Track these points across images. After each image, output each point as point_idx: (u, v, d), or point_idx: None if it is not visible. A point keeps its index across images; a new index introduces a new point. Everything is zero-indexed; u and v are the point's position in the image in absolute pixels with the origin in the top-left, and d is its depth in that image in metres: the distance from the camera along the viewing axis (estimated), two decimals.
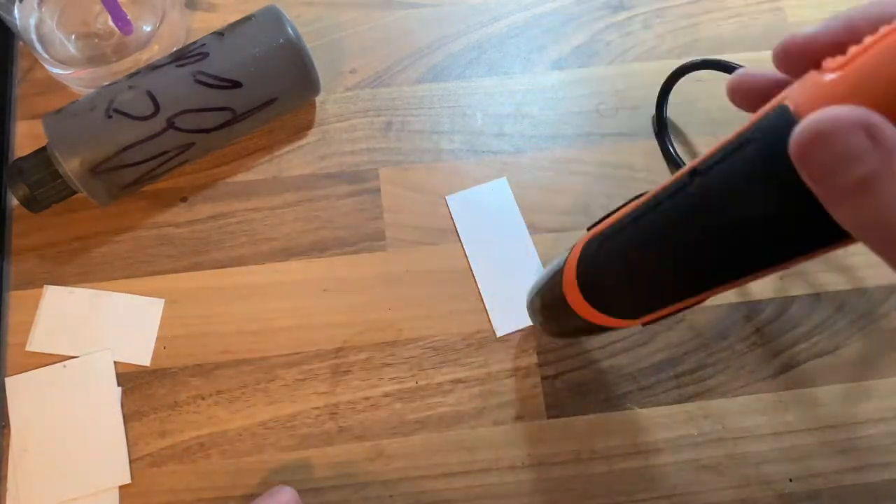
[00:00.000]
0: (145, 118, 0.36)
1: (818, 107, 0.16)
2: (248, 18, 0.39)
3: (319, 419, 0.37)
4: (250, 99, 0.38)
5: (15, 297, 0.38)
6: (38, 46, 0.41)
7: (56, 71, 0.42)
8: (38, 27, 0.42)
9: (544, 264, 0.40)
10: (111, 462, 0.35)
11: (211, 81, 0.37)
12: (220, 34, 0.39)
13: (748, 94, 0.21)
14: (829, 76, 0.16)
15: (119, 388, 0.37)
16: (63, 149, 0.36)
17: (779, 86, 0.19)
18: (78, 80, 0.42)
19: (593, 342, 0.38)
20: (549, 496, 0.36)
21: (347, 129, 0.43)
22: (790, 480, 0.36)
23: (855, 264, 0.40)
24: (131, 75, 0.38)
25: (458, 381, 0.38)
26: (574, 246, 0.28)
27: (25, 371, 0.37)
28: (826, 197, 0.16)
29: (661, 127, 0.43)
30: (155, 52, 0.42)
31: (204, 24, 0.45)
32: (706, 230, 0.21)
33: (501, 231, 0.41)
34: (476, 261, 0.40)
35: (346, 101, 0.43)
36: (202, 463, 0.36)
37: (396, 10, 0.46)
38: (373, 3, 0.46)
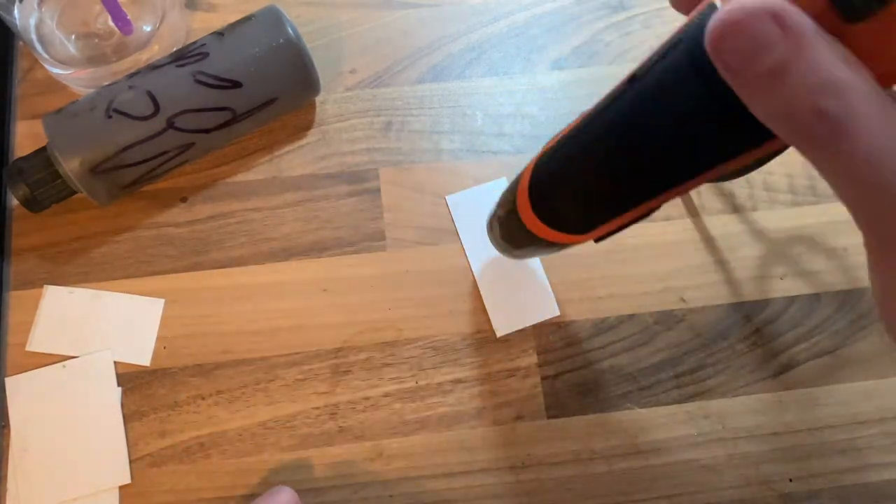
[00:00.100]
0: (145, 118, 0.36)
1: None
2: (248, 18, 0.39)
3: (319, 419, 0.37)
4: (250, 99, 0.38)
5: (15, 297, 0.38)
6: (38, 46, 0.41)
7: (56, 71, 0.42)
8: (38, 27, 0.42)
9: (544, 264, 0.40)
10: (111, 462, 0.35)
11: (211, 81, 0.37)
12: (220, 34, 0.39)
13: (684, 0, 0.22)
14: None
15: (119, 388, 0.37)
16: (63, 149, 0.36)
17: None
18: (78, 80, 0.42)
19: (593, 342, 0.38)
20: (549, 496, 0.36)
21: (347, 129, 0.43)
22: (790, 480, 0.36)
23: (855, 264, 0.40)
24: (131, 75, 0.38)
25: (458, 381, 0.38)
26: (528, 163, 0.28)
27: (25, 371, 0.37)
28: (741, 88, 0.16)
29: None
30: (155, 52, 0.42)
31: (204, 24, 0.45)
32: (643, 133, 0.21)
33: None
34: (476, 261, 0.40)
35: (346, 101, 0.43)
36: (202, 463, 0.36)
37: (396, 10, 0.46)
38: (373, 3, 0.46)
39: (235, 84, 0.38)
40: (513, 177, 0.42)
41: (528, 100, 0.44)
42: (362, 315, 0.39)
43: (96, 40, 0.42)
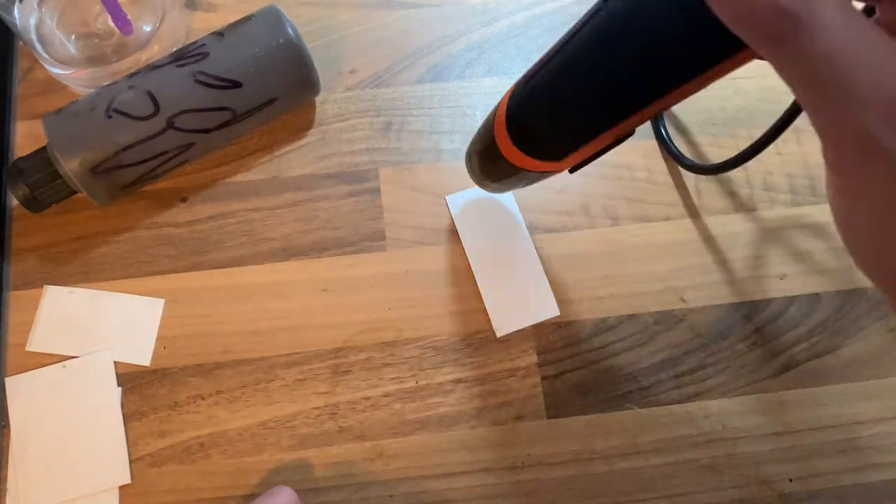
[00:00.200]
0: (145, 118, 0.36)
1: None
2: (248, 18, 0.39)
3: (319, 419, 0.37)
4: (250, 99, 0.38)
5: (15, 297, 0.38)
6: (38, 46, 0.41)
7: (56, 71, 0.42)
8: (38, 27, 0.42)
9: (544, 264, 0.40)
10: (111, 462, 0.35)
11: (211, 81, 0.37)
12: (220, 34, 0.39)
13: None
14: None
15: (119, 388, 0.37)
16: (63, 149, 0.36)
17: None
18: (78, 80, 0.42)
19: (593, 342, 0.38)
20: (549, 496, 0.36)
21: (347, 129, 0.43)
22: (790, 480, 0.36)
23: (855, 264, 0.40)
24: (131, 75, 0.38)
25: (458, 381, 0.38)
26: (505, 93, 0.29)
27: (25, 371, 0.37)
28: None
29: (661, 125, 0.43)
30: (155, 52, 0.42)
31: (204, 24, 0.45)
32: (615, 49, 0.22)
33: (501, 231, 0.41)
34: (476, 261, 0.40)
35: (346, 101, 0.43)
36: (202, 463, 0.36)
37: (396, 10, 0.46)
38: (373, 3, 0.46)
39: (235, 84, 0.38)
40: None
41: None
42: (362, 315, 0.39)
43: (96, 40, 0.42)
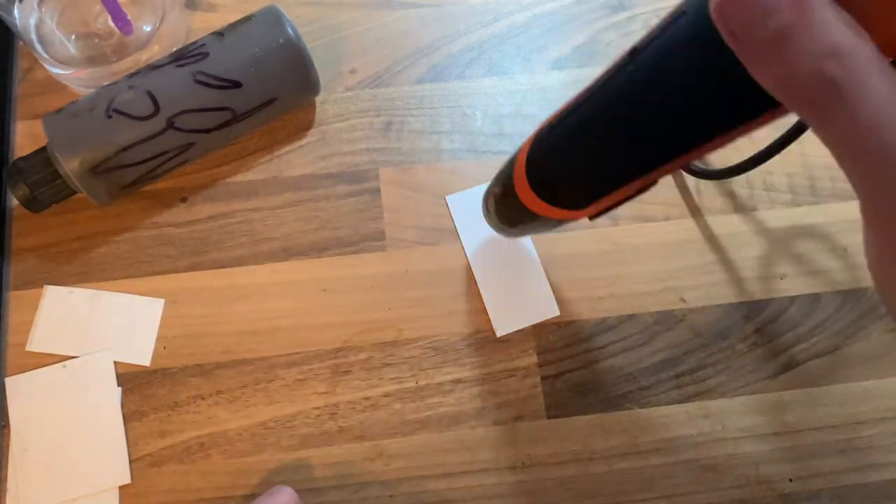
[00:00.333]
0: (145, 118, 0.36)
1: None
2: (248, 18, 0.39)
3: (319, 419, 0.37)
4: (250, 99, 0.38)
5: (15, 297, 0.38)
6: (38, 46, 0.41)
7: (56, 71, 0.42)
8: (38, 27, 0.42)
9: (544, 264, 0.40)
10: (111, 462, 0.35)
11: (211, 81, 0.37)
12: (220, 34, 0.39)
13: None
14: None
15: (119, 388, 0.37)
16: (63, 149, 0.36)
17: None
18: (78, 80, 0.42)
19: (593, 342, 0.38)
20: (549, 496, 0.36)
21: (347, 129, 0.43)
22: (790, 480, 0.36)
23: (856, 264, 0.40)
24: (131, 75, 0.38)
25: (458, 381, 0.38)
26: (525, 141, 0.28)
27: (25, 371, 0.37)
28: (745, 55, 0.16)
29: None
30: (155, 52, 0.42)
31: (204, 24, 0.45)
32: (646, 104, 0.21)
33: None
34: (476, 261, 0.40)
35: (346, 101, 0.43)
36: (202, 463, 0.36)
37: (396, 10, 0.46)
38: (373, 3, 0.46)
39: (235, 84, 0.38)
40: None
41: (528, 100, 0.44)
42: (362, 315, 0.39)
43: (96, 40, 0.42)
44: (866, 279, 0.40)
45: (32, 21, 0.42)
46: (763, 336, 0.39)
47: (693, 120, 0.20)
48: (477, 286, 0.39)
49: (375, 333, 0.38)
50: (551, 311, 0.39)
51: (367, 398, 0.37)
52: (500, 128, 0.43)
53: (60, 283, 0.39)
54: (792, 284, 0.40)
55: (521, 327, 0.38)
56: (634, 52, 0.21)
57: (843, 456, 0.37)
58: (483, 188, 0.41)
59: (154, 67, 0.38)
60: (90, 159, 0.36)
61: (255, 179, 0.41)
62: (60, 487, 0.35)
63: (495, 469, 0.36)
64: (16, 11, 0.41)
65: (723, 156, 0.42)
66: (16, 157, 0.39)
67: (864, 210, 0.17)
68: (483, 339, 0.38)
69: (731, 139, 0.21)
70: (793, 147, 0.43)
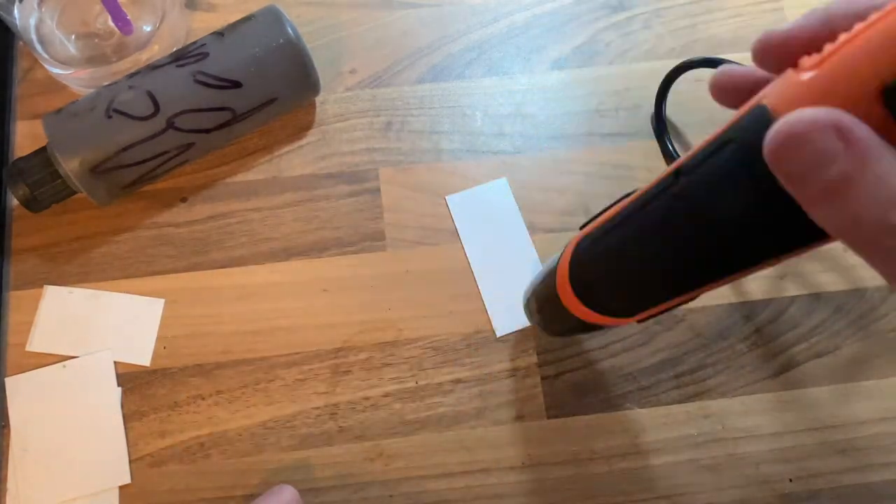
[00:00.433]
0: (145, 118, 0.36)
1: (794, 107, 0.16)
2: (248, 18, 0.39)
3: (319, 419, 0.37)
4: (250, 99, 0.38)
5: (15, 297, 0.38)
6: (38, 46, 0.41)
7: (56, 71, 0.42)
8: (38, 27, 0.42)
9: (544, 264, 0.40)
10: (111, 462, 0.35)
11: (211, 81, 0.37)
12: (220, 34, 0.39)
13: (730, 92, 0.21)
14: (805, 75, 0.16)
15: (119, 388, 0.37)
16: (63, 149, 0.36)
17: (759, 83, 0.20)
18: (78, 80, 0.42)
19: (593, 342, 0.38)
20: (549, 496, 0.36)
21: (347, 129, 0.43)
22: (790, 480, 0.36)
23: (855, 264, 0.40)
24: (131, 75, 0.38)
25: (458, 381, 0.38)
26: (567, 245, 0.29)
27: (25, 371, 0.37)
28: (801, 198, 0.16)
29: (661, 125, 0.43)
30: (155, 52, 0.42)
31: (204, 24, 0.45)
32: (690, 230, 0.21)
33: (501, 231, 0.41)
34: (476, 261, 0.40)
35: (346, 101, 0.43)
36: (202, 463, 0.36)
37: (396, 10, 0.46)
38: (373, 3, 0.46)
39: (235, 84, 0.38)
40: (510, 177, 0.42)
41: (528, 100, 0.44)
42: (362, 315, 0.39)
43: (96, 40, 0.42)
44: (866, 280, 0.40)
45: (32, 21, 0.42)
46: (763, 336, 0.39)
47: (742, 249, 0.20)
48: (477, 286, 0.39)
49: (375, 333, 0.38)
50: None
51: (367, 398, 0.37)
52: (500, 128, 0.43)
53: (60, 283, 0.39)
54: (792, 284, 0.40)
55: (521, 327, 0.38)
56: (678, 174, 0.21)
57: (843, 456, 0.37)
58: (483, 188, 0.42)
59: (154, 67, 0.38)
60: (90, 159, 0.36)
61: (255, 179, 0.41)
62: (60, 487, 0.35)
63: (495, 469, 0.36)
64: (16, 11, 0.41)
65: None
66: (16, 157, 0.39)
67: None
68: (483, 339, 0.38)
69: (779, 262, 0.20)
70: None
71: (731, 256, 0.21)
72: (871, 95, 0.15)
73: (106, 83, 0.38)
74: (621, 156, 0.42)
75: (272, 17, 0.39)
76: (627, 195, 0.25)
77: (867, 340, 0.39)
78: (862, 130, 0.15)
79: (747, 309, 0.39)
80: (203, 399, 0.37)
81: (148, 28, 0.42)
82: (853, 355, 0.39)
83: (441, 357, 0.38)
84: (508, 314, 0.39)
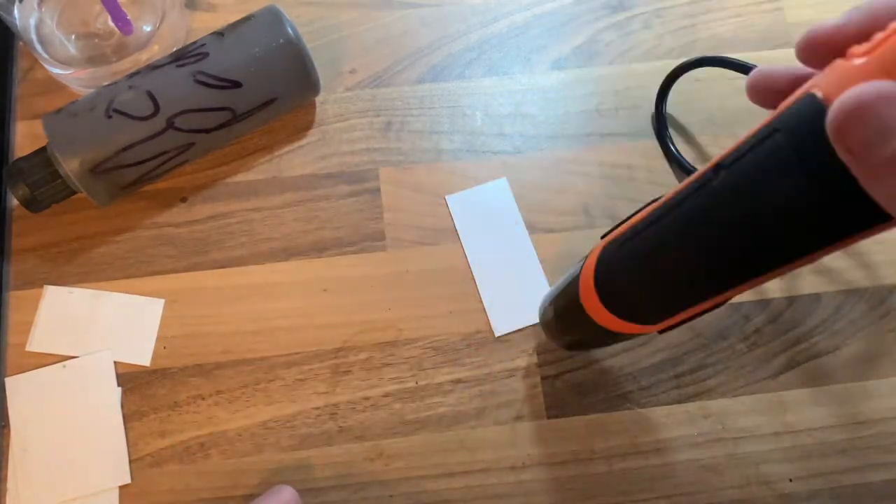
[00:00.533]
0: (145, 118, 0.36)
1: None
2: (247, 18, 0.39)
3: (319, 419, 0.37)
4: (250, 99, 0.38)
5: (15, 297, 0.38)
6: (38, 46, 0.41)
7: (56, 71, 0.42)
8: (38, 27, 0.42)
9: (543, 264, 0.40)
10: (111, 462, 0.35)
11: (211, 81, 0.37)
12: (220, 34, 0.39)
13: (768, 92, 0.22)
14: (858, 61, 0.17)
15: (119, 388, 0.37)
16: (63, 149, 0.36)
17: (798, 81, 0.20)
18: (78, 80, 0.42)
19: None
20: (549, 496, 0.36)
21: (347, 129, 0.43)
22: (790, 480, 0.36)
23: (855, 264, 0.40)
24: (131, 75, 0.38)
25: (458, 381, 0.38)
26: (589, 253, 0.28)
27: (25, 371, 0.37)
28: (864, 173, 0.16)
29: (661, 125, 0.43)
30: (155, 52, 0.42)
31: (204, 24, 0.45)
32: (734, 223, 0.21)
33: (501, 231, 0.41)
34: (475, 260, 0.40)
35: (346, 101, 0.43)
36: (202, 463, 0.36)
37: (396, 10, 0.46)
38: (373, 3, 0.46)
39: (235, 84, 0.38)
40: (510, 177, 0.42)
41: (528, 100, 0.44)
42: (362, 315, 0.39)
43: (96, 40, 0.42)
44: (866, 280, 0.40)
45: (32, 21, 0.42)
46: (763, 336, 0.39)
47: (790, 238, 0.20)
48: (477, 286, 0.39)
49: (375, 333, 0.38)
50: None
51: (367, 398, 0.37)
52: (500, 128, 0.43)
53: (60, 283, 0.39)
54: (792, 284, 0.40)
55: (519, 327, 0.38)
56: (719, 168, 0.21)
57: (843, 456, 0.37)
58: (483, 188, 0.41)
59: (154, 67, 0.38)
60: (90, 159, 0.36)
61: (255, 179, 0.41)
62: (60, 487, 0.35)
63: (495, 469, 0.36)
64: (16, 11, 0.41)
65: (720, 152, 0.42)
66: (16, 157, 0.39)
67: None
68: (483, 339, 0.38)
69: (825, 254, 0.20)
70: None
71: (775, 249, 0.21)
72: None
73: (106, 83, 0.38)
74: (621, 156, 0.42)
75: (272, 17, 0.39)
76: (655, 200, 0.25)
77: (868, 340, 0.39)
78: None
79: (747, 309, 0.39)
80: (203, 399, 0.37)
81: (148, 28, 0.42)
82: (854, 355, 0.39)
83: (441, 357, 0.38)
84: (507, 314, 0.39)
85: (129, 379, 0.37)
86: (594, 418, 0.37)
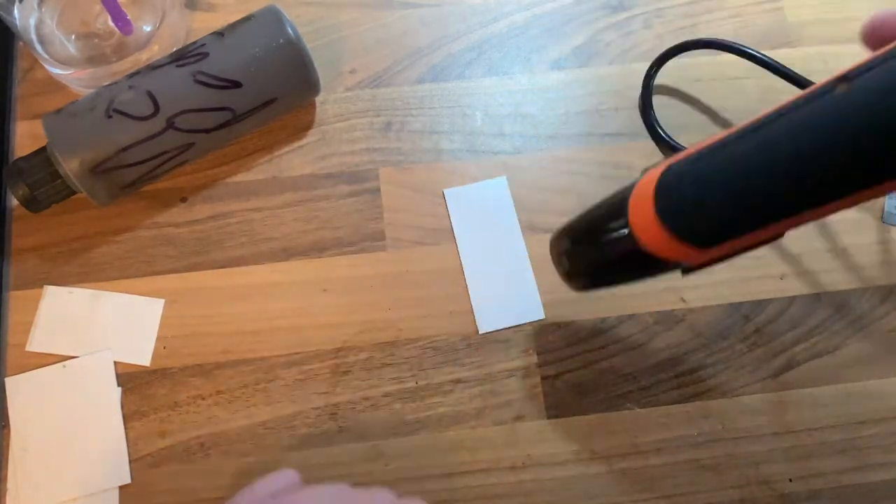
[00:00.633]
0: (145, 118, 0.36)
1: None
2: (247, 18, 0.39)
3: (319, 419, 0.37)
4: (250, 99, 0.38)
5: (15, 297, 0.38)
6: (38, 46, 0.41)
7: (56, 71, 0.42)
8: (38, 27, 0.42)
9: (543, 263, 0.40)
10: (111, 462, 0.35)
11: (211, 81, 0.37)
12: (220, 34, 0.39)
13: (884, 34, 0.23)
14: None
15: (119, 388, 0.37)
16: (63, 149, 0.36)
17: None
18: (78, 80, 0.42)
19: (593, 342, 0.38)
20: (549, 496, 0.36)
21: (347, 129, 0.43)
22: (790, 480, 0.36)
23: (855, 264, 0.40)
24: (131, 75, 0.38)
25: (458, 381, 0.38)
26: (642, 175, 0.27)
27: (25, 371, 0.37)
28: None
29: (647, 104, 0.43)
30: (155, 52, 0.42)
31: (204, 24, 0.45)
32: (853, 133, 0.21)
33: (495, 228, 0.40)
34: (467, 256, 0.40)
35: (346, 101, 0.43)
36: (202, 463, 0.36)
37: (396, 10, 0.46)
38: (373, 3, 0.46)
39: (235, 84, 0.38)
40: (510, 177, 0.42)
41: (528, 100, 0.44)
42: (362, 315, 0.39)
43: (96, 40, 0.42)
44: (866, 280, 0.40)
45: (32, 21, 0.42)
46: (763, 336, 0.39)
47: None
48: (466, 282, 0.39)
49: (375, 333, 0.38)
50: (536, 313, 0.39)
51: (367, 398, 0.37)
52: (500, 128, 0.43)
53: (60, 283, 0.39)
54: (792, 284, 0.40)
55: (503, 326, 0.38)
56: (843, 79, 0.21)
57: (843, 456, 0.37)
58: (481, 185, 0.41)
59: (154, 67, 0.38)
60: (90, 159, 0.36)
61: (255, 179, 0.41)
62: (60, 487, 0.35)
63: (495, 469, 0.36)
64: (16, 11, 0.41)
65: None
66: (16, 157, 0.39)
67: None
68: (483, 339, 0.38)
69: None
70: None
71: (889, 163, 0.21)
72: None
73: (106, 83, 0.38)
74: (621, 156, 0.42)
75: (272, 17, 0.39)
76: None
77: (868, 340, 0.39)
78: None
79: (747, 309, 0.39)
80: (203, 399, 0.37)
81: (148, 28, 0.42)
82: (854, 355, 0.39)
83: (441, 357, 0.38)
84: (492, 312, 0.39)
85: (129, 379, 0.37)
86: (594, 418, 0.37)
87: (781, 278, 0.40)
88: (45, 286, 0.39)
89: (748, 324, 0.39)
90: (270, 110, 0.40)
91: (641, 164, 0.42)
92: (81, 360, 0.37)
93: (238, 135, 0.41)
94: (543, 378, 0.38)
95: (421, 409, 0.37)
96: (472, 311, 0.39)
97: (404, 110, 0.43)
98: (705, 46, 0.42)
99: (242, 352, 0.38)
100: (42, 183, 0.36)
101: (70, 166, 0.36)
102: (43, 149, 0.37)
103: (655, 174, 0.27)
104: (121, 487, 0.35)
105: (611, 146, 0.43)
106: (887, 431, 0.37)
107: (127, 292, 0.39)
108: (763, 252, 0.40)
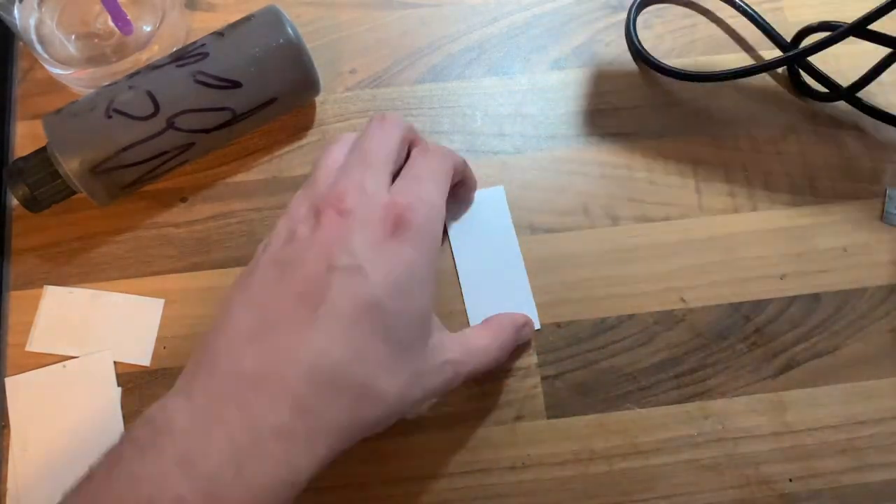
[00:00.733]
0: (145, 118, 0.36)
1: None
2: (247, 18, 0.39)
3: None
4: (250, 99, 0.38)
5: (15, 297, 0.38)
6: (38, 46, 0.41)
7: (56, 71, 0.42)
8: (38, 27, 0.42)
9: (542, 264, 0.40)
10: None
11: (211, 81, 0.37)
12: (220, 34, 0.39)
13: None
14: None
15: (119, 388, 0.37)
16: (63, 149, 0.36)
17: None
18: (78, 80, 0.42)
19: (593, 342, 0.38)
20: (549, 496, 0.36)
21: (347, 129, 0.43)
22: (790, 480, 0.36)
23: (855, 264, 0.40)
24: (131, 75, 0.38)
25: None
26: None
27: (25, 371, 0.37)
28: None
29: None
30: (155, 52, 0.42)
31: (204, 24, 0.45)
32: None
33: (490, 234, 0.40)
34: (462, 260, 0.40)
35: (346, 101, 0.43)
36: None
37: (396, 10, 0.46)
38: (373, 3, 0.46)
39: (235, 84, 0.38)
40: (510, 177, 0.42)
41: (528, 100, 0.44)
42: None
43: (96, 40, 0.42)
44: (866, 280, 0.40)
45: (32, 21, 0.42)
46: (763, 336, 0.39)
47: None
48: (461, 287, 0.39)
49: None
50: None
51: None
52: (500, 128, 0.43)
53: (60, 283, 0.39)
54: (792, 284, 0.40)
55: None
56: None
57: (843, 456, 0.37)
58: (479, 193, 0.41)
59: (154, 67, 0.38)
60: (90, 159, 0.36)
61: (255, 179, 0.41)
62: (60, 487, 0.35)
63: (495, 469, 0.36)
64: (16, 11, 0.41)
65: (719, 152, 0.42)
66: (16, 157, 0.39)
67: None
68: None
69: None
70: (793, 147, 0.43)
71: None
72: None
73: (106, 83, 0.38)
74: (621, 156, 0.42)
75: (272, 17, 0.39)
76: None
77: (867, 340, 0.39)
78: None
79: (747, 309, 0.39)
80: None
81: (148, 28, 0.42)
82: (854, 355, 0.38)
83: None
84: (486, 315, 0.38)
85: (129, 379, 0.37)
86: (594, 418, 0.37)
87: (781, 278, 0.40)
88: (45, 286, 0.39)
89: (748, 324, 0.39)
90: (270, 110, 0.40)
91: (641, 163, 0.42)
92: (81, 360, 0.37)
93: (238, 135, 0.41)
94: (543, 378, 0.38)
95: (421, 409, 0.37)
96: (466, 313, 0.39)
97: (404, 110, 0.43)
98: None
99: None
100: (42, 183, 0.36)
101: (70, 166, 0.36)
102: (43, 149, 0.37)
103: None
104: None
105: (611, 146, 0.43)
106: (887, 431, 0.37)
107: (127, 292, 0.39)
108: (763, 252, 0.40)
